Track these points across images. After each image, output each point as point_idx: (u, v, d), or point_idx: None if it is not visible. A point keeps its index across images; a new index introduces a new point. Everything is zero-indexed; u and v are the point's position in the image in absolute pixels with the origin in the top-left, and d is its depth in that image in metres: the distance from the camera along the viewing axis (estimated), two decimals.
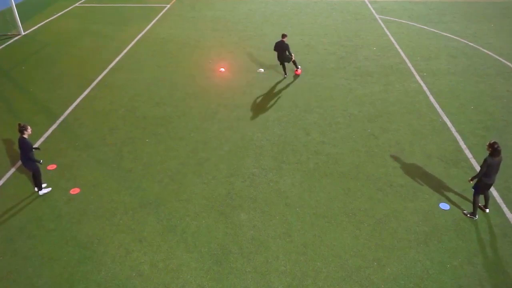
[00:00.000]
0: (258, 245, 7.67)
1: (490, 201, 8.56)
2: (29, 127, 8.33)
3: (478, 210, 8.35)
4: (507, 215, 8.27)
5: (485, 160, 7.66)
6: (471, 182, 7.97)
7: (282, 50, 13.16)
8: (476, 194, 8.04)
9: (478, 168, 9.45)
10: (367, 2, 22.68)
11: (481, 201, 8.41)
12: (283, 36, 13.20)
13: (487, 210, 8.37)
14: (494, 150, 7.60)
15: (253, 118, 11.71)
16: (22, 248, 7.65)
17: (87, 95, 13.07)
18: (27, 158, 8.33)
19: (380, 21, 19.61)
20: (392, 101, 12.50)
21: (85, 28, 19.10)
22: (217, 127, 11.27)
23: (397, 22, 19.36)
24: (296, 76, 14.00)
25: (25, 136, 8.26)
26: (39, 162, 8.51)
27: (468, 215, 8.19)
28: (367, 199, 8.73)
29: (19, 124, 8.28)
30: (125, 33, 18.34)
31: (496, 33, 17.80)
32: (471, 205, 8.44)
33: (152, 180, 9.34)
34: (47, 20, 20.24)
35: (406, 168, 9.66)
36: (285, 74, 14.04)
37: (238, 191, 9.00)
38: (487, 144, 7.77)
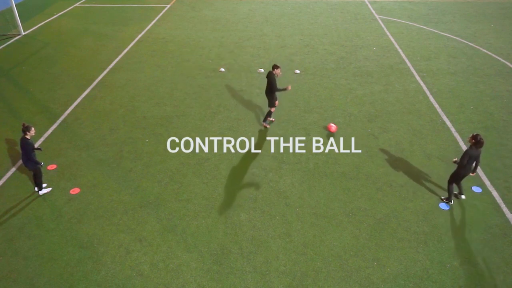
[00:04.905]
0: (258, 245, 7.68)
1: (490, 201, 8.60)
2: (32, 128, 8.29)
3: (468, 203, 8.50)
4: (507, 215, 8.27)
5: (466, 152, 7.84)
6: (455, 162, 8.18)
7: (268, 82, 10.43)
8: (450, 183, 8.37)
9: (478, 168, 9.46)
10: (367, 2, 22.69)
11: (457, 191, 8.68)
12: (274, 67, 10.31)
13: (463, 197, 8.66)
14: (477, 142, 7.77)
15: (253, 118, 11.71)
16: (22, 248, 7.65)
17: (87, 95, 13.07)
18: (28, 158, 8.33)
19: (380, 21, 19.61)
20: (392, 101, 12.51)
21: (85, 28, 19.10)
22: (217, 127, 11.28)
23: (397, 22, 19.36)
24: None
25: (28, 136, 8.25)
26: (40, 164, 8.51)
27: (444, 200, 8.58)
28: (367, 199, 8.74)
29: (23, 124, 8.26)
30: (125, 33, 18.34)
31: (496, 33, 17.80)
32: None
33: (152, 180, 9.35)
34: (47, 20, 20.23)
35: (406, 168, 9.66)
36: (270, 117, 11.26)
37: (238, 191, 9.00)
38: (470, 136, 7.91)
